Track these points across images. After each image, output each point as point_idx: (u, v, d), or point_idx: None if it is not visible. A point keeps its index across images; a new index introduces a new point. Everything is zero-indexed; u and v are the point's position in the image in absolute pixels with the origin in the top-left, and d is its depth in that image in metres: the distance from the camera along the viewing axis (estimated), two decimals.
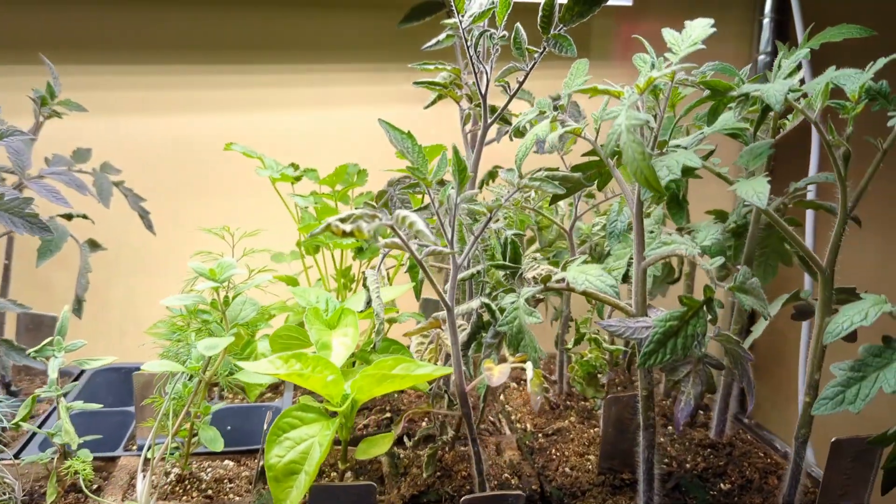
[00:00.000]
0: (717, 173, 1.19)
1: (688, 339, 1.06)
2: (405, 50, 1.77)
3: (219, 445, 1.25)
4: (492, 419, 1.66)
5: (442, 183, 1.39)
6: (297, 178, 1.75)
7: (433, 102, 1.62)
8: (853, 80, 1.11)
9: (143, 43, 1.95)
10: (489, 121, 1.40)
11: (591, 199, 1.61)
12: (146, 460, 1.18)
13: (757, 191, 1.07)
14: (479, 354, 1.25)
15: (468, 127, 1.57)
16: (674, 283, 1.74)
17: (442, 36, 1.43)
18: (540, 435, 1.57)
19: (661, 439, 1.55)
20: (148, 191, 1.83)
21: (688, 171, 1.33)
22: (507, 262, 1.23)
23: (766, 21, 1.95)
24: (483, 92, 1.40)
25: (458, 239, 1.32)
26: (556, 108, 1.25)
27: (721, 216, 1.62)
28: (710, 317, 1.07)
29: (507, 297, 1.18)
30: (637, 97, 1.00)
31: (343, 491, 1.07)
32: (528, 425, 1.62)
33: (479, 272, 1.23)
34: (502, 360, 1.17)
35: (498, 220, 1.54)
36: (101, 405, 1.62)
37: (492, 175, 1.65)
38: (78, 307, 1.70)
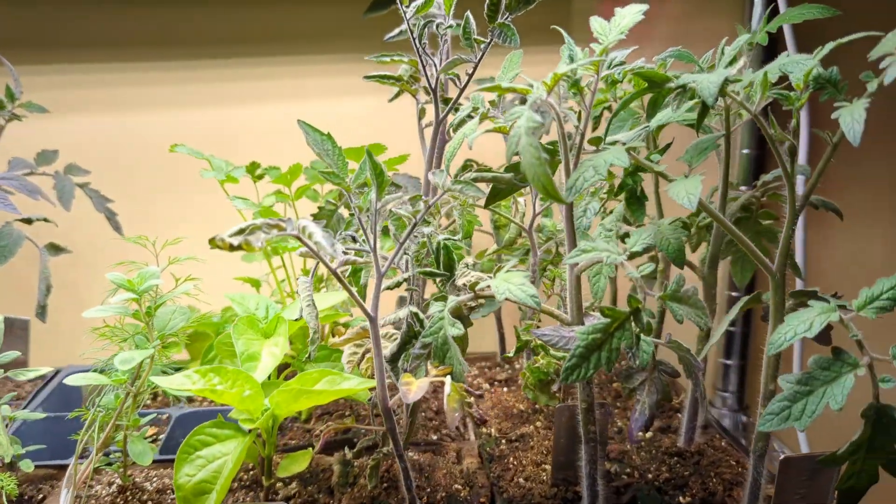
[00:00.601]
0: (657, 172, 1.10)
1: (612, 353, 0.99)
2: (376, 39, 1.72)
3: (147, 460, 1.22)
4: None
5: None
6: (259, 177, 1.71)
7: (396, 96, 1.56)
8: (800, 67, 1.01)
9: (112, 41, 1.93)
10: (441, 115, 1.34)
11: None
12: (70, 475, 1.15)
13: (688, 191, 0.98)
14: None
15: (425, 121, 1.51)
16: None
17: (404, 26, 1.37)
18: (503, 441, 1.52)
19: (628, 447, 1.47)
20: (133, 190, 1.82)
21: (643, 167, 1.25)
22: (438, 270, 1.17)
23: None
24: (433, 85, 1.34)
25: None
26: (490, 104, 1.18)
27: (700, 211, 1.53)
28: (638, 329, 1.00)
29: (435, 306, 1.12)
30: (543, 95, 0.92)
31: None
32: (494, 430, 1.56)
33: (407, 280, 1.18)
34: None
35: (454, 222, 1.48)
36: (62, 405, 1.63)
37: (464, 169, 1.58)
38: (41, 312, 1.69)
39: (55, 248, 1.70)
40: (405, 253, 1.17)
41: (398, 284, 1.16)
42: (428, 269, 1.16)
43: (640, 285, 1.00)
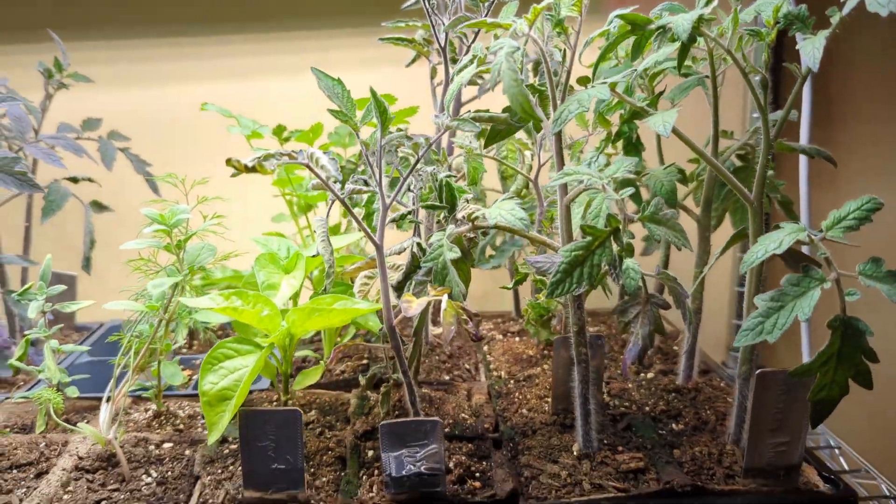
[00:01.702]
0: (639, 108, 1.18)
1: (594, 269, 1.08)
2: (395, 12, 1.83)
3: (177, 380, 1.34)
4: (468, 367, 1.70)
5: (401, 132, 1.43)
6: (286, 139, 1.83)
7: (413, 60, 1.67)
8: (771, 6, 1.09)
9: (147, 19, 2.08)
10: (451, 72, 1.44)
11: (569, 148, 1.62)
12: (109, 393, 1.28)
13: (664, 120, 1.07)
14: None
15: (436, 81, 1.61)
16: None
17: None
18: (511, 381, 1.61)
19: (629, 385, 1.55)
20: (167, 157, 1.97)
21: (638, 115, 1.34)
22: (439, 203, 1.27)
23: None
24: (442, 44, 1.44)
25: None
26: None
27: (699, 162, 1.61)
28: (618, 247, 1.08)
29: (436, 235, 1.22)
30: (525, 28, 1.01)
31: (270, 415, 1.14)
32: (504, 373, 1.65)
33: (412, 213, 1.28)
34: None
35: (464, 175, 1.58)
36: (105, 355, 1.77)
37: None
38: (86, 264, 1.83)
39: (98, 206, 1.84)
40: (409, 189, 1.27)
41: (402, 217, 1.26)
42: (431, 203, 1.25)
43: (621, 208, 1.08)
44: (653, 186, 1.35)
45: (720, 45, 1.10)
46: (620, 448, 1.29)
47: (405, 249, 1.26)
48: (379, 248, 1.19)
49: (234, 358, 1.18)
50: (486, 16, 1.43)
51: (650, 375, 1.60)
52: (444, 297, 1.13)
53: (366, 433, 1.37)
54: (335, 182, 1.12)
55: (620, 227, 1.08)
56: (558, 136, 1.14)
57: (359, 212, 1.50)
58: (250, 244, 1.60)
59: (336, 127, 1.91)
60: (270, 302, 1.21)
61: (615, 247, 1.08)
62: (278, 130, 1.79)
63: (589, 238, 1.08)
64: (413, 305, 1.13)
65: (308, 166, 1.10)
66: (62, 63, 1.80)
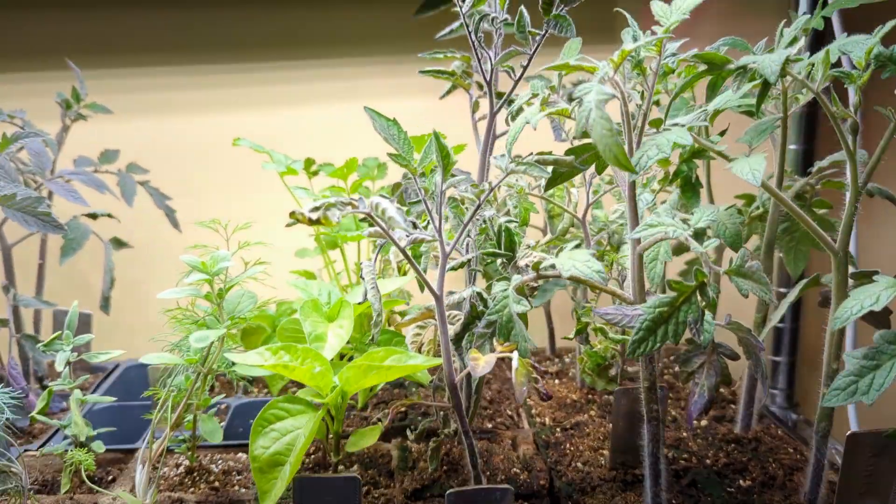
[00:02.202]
0: (717, 152, 1.12)
1: (679, 326, 1.01)
2: (424, 40, 1.77)
3: (217, 437, 1.26)
4: (510, 413, 1.63)
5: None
6: (315, 173, 1.76)
7: (448, 92, 1.60)
8: (860, 46, 1.03)
9: (169, 46, 2.00)
10: (496, 107, 1.37)
11: (610, 183, 1.56)
12: (145, 453, 1.19)
13: (752, 168, 1.00)
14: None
15: (478, 115, 1.54)
16: None
17: (455, 24, 1.41)
18: (558, 429, 1.53)
19: (684, 434, 1.48)
20: (189, 190, 1.89)
21: (698, 154, 1.28)
22: (500, 251, 1.20)
23: None
24: (487, 78, 1.37)
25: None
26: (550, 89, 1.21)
27: (750, 201, 1.55)
28: (704, 303, 1.01)
29: (499, 286, 1.15)
30: (611, 72, 0.95)
31: (327, 483, 1.06)
32: (548, 419, 1.58)
33: (469, 261, 1.20)
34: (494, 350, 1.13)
35: (514, 208, 1.51)
36: (122, 398, 1.68)
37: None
38: (105, 304, 1.75)
39: (118, 243, 1.75)
40: (467, 235, 1.20)
41: (462, 265, 1.18)
42: (491, 250, 1.18)
43: (705, 260, 1.02)
44: (716, 229, 1.28)
45: (808, 87, 1.04)
46: None
47: (464, 300, 1.19)
48: (439, 299, 1.11)
49: (284, 419, 1.10)
50: (535, 50, 1.37)
51: (704, 423, 1.53)
52: (515, 355, 1.06)
53: (415, 492, 1.29)
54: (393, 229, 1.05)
55: (706, 280, 1.01)
56: (632, 184, 1.08)
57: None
58: (274, 279, 1.52)
59: (364, 159, 1.83)
60: (321, 357, 1.13)
61: (701, 302, 1.01)
62: (307, 164, 1.72)
63: (674, 293, 1.01)
64: (481, 363, 1.06)
65: (370, 216, 1.03)
66: (80, 93, 1.72)
